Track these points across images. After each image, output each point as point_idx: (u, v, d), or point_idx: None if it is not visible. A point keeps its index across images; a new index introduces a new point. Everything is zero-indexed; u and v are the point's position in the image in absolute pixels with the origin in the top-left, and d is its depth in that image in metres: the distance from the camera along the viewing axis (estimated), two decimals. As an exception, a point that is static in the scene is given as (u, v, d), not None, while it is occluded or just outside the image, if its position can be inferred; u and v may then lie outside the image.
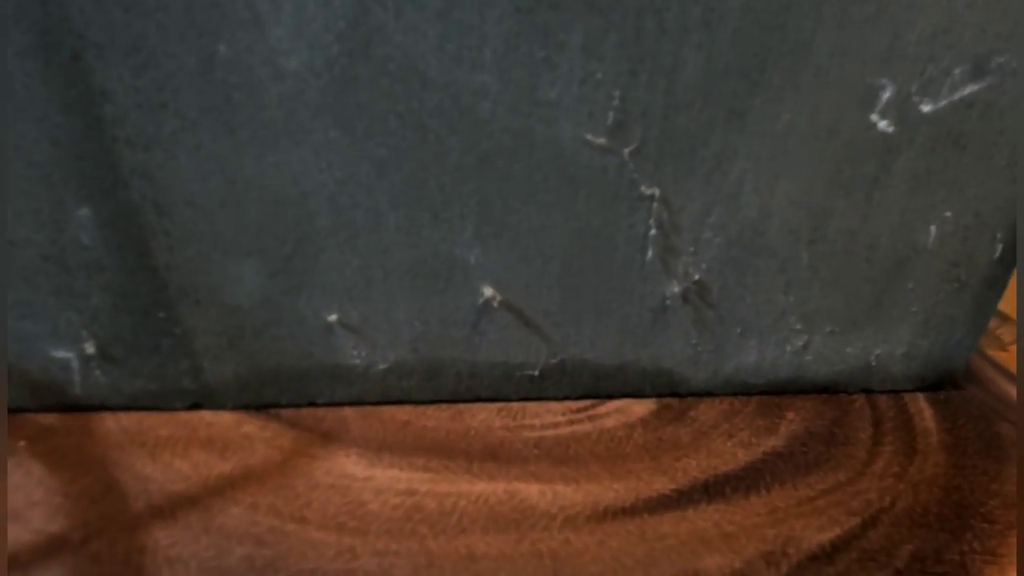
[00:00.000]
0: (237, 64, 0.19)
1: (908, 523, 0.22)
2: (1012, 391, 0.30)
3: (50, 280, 0.22)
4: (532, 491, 0.23)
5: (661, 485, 0.23)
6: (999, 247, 0.26)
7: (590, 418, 0.27)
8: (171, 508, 0.21)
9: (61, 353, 0.23)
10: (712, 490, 0.23)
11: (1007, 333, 0.35)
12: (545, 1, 0.20)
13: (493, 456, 0.24)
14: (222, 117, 0.20)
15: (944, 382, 0.30)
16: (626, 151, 0.22)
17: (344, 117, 0.21)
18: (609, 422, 0.26)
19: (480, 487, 0.23)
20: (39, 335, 0.23)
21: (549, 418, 0.27)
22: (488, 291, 0.24)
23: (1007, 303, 0.38)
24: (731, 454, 0.25)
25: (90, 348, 0.23)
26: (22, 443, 0.23)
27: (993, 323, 0.36)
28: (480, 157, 0.22)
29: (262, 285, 0.23)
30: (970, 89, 0.23)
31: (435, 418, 0.26)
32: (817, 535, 0.21)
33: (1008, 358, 0.33)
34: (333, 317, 0.24)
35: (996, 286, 0.27)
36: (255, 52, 0.19)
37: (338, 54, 0.20)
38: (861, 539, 0.21)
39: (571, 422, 0.26)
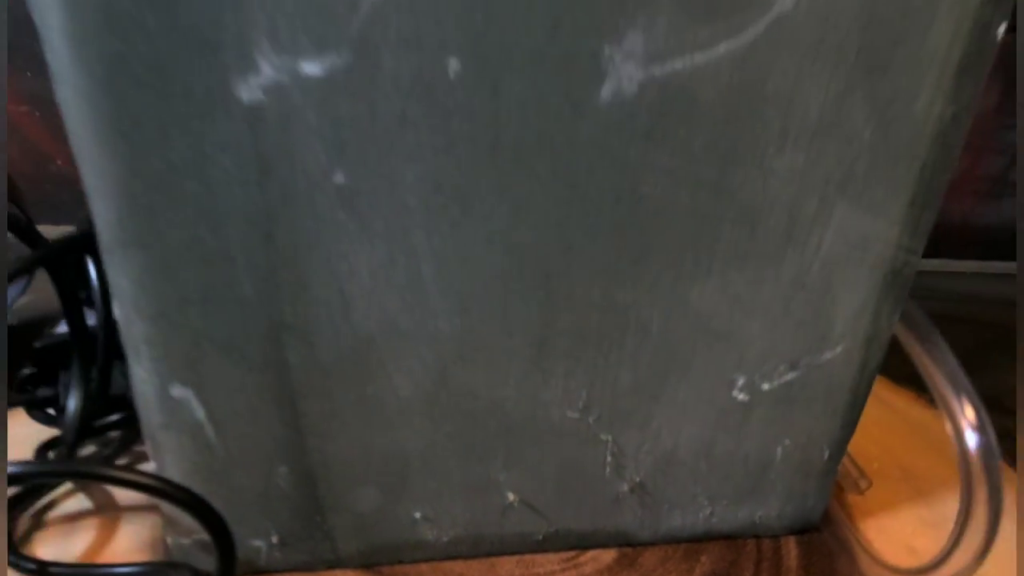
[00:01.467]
0: (376, 396, 0.35)
1: (760, 640, 0.37)
2: (850, 535, 0.45)
3: (258, 508, 0.37)
4: (540, 623, 0.38)
5: (617, 616, 0.39)
6: (827, 453, 0.42)
7: (575, 565, 0.42)
8: (335, 643, 0.36)
9: (256, 542, 0.39)
10: (647, 620, 0.38)
11: (863, 482, 0.51)
12: (545, 353, 0.36)
13: (516, 597, 0.40)
14: (364, 422, 0.36)
15: (807, 528, 0.46)
16: (591, 419, 0.38)
17: (431, 417, 0.37)
18: (587, 569, 0.42)
19: (509, 621, 0.38)
20: (245, 534, 0.38)
21: (549, 566, 0.42)
22: (511, 496, 0.40)
23: (872, 446, 0.54)
24: (661, 592, 0.40)
25: (274, 539, 0.39)
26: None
27: (854, 472, 0.51)
28: (506, 430, 0.38)
29: (378, 500, 0.39)
30: (790, 376, 0.39)
31: (478, 570, 0.41)
32: (705, 649, 0.37)
33: (860, 501, 0.49)
34: (418, 514, 0.40)
35: (829, 473, 0.43)
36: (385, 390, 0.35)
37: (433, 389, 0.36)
38: (730, 652, 0.36)
39: (563, 569, 0.42)
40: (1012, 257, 1.25)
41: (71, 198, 1.09)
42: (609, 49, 0.28)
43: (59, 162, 1.09)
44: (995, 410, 0.88)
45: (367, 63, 0.27)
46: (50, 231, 0.50)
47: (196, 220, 0.29)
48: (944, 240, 1.22)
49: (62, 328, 0.45)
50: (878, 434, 0.60)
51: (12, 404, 0.47)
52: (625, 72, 0.29)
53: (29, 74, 1.02)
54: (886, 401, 0.66)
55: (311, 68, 0.27)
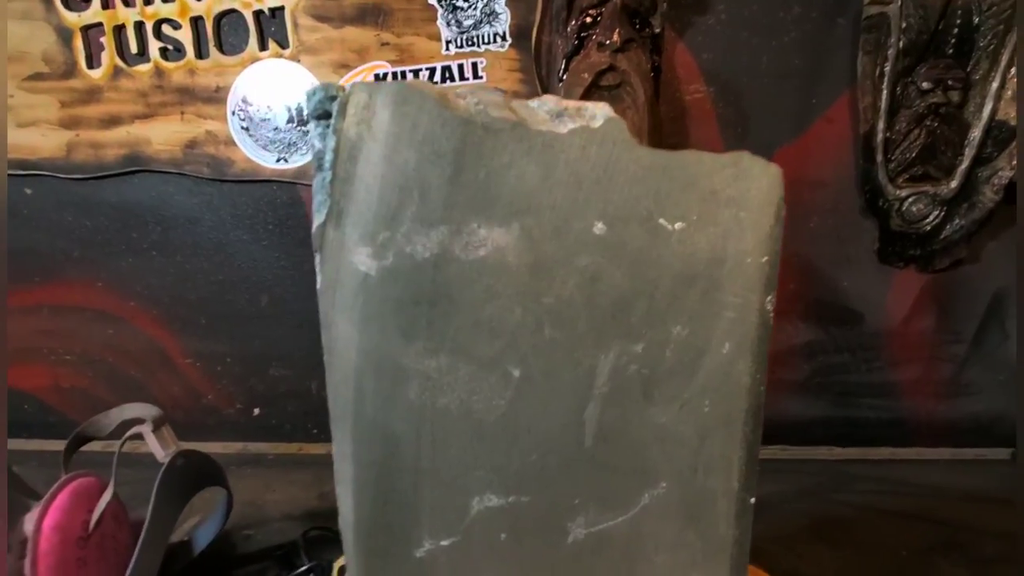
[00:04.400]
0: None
1: None
2: None
3: None
4: None
5: None
6: None
7: None
8: None
9: None
10: None
11: None
12: (551, 640, 0.71)
13: None
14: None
15: None
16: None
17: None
18: None
19: None
20: None
21: None
22: None
23: None
24: None
25: None
26: None
27: None
28: None
29: None
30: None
31: None
32: None
33: None
34: None
35: None
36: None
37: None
38: None
39: None
40: (976, 445, 1.51)
41: (215, 423, 1.52)
42: (571, 524, 0.66)
43: (209, 397, 1.52)
44: (922, 617, 1.17)
45: (468, 538, 0.65)
46: (201, 445, 0.93)
47: (394, 600, 0.67)
48: (915, 434, 1.51)
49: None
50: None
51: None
52: (578, 532, 0.66)
53: (196, 337, 1.48)
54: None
55: (445, 543, 0.65)
